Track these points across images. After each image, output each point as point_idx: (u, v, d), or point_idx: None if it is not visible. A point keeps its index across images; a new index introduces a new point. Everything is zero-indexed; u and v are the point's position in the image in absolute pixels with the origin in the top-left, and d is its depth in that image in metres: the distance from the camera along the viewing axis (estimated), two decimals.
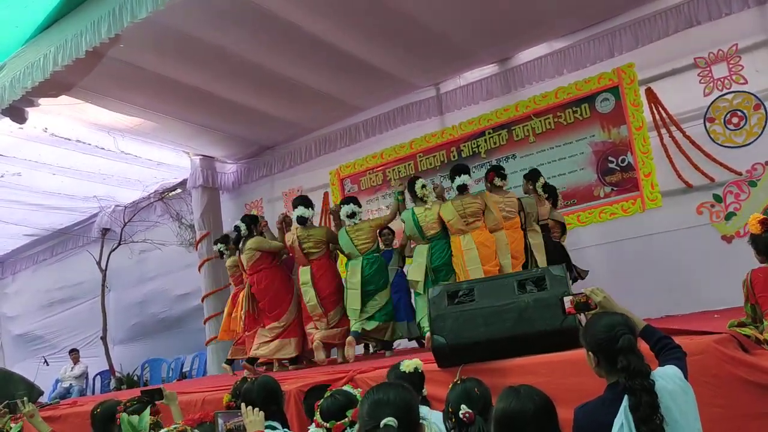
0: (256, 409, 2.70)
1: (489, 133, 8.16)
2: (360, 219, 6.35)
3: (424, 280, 5.74)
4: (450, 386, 2.56)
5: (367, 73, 7.75)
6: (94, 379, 11.26)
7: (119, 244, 11.18)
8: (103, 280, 11.31)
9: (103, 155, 9.15)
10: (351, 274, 6.15)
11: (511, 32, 7.33)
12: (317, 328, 6.26)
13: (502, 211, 5.81)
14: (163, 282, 11.27)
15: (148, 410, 3.53)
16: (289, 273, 6.80)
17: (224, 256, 7.56)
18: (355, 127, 9.20)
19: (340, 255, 6.70)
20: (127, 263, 11.48)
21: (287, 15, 6.33)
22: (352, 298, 6.06)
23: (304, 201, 6.47)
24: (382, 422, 1.77)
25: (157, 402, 3.74)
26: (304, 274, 6.32)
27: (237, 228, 6.88)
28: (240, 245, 6.79)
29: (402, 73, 8.02)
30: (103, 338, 11.08)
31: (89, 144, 8.79)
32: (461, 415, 2.35)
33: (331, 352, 6.49)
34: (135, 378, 10.71)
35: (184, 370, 10.25)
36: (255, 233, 6.74)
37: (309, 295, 6.24)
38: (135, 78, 7.22)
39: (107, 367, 10.99)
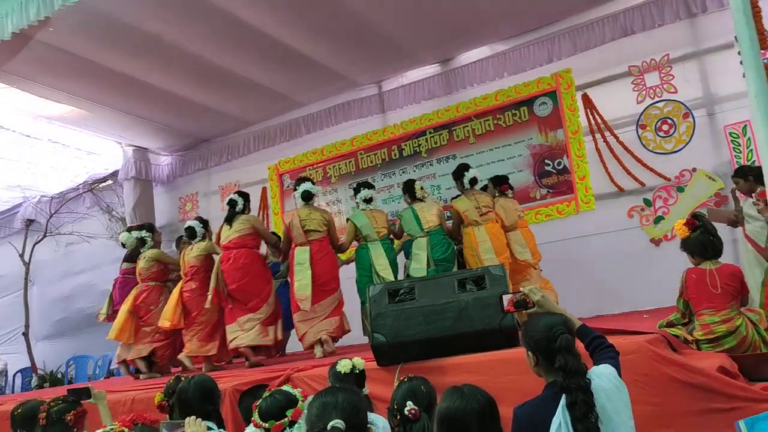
0: (199, 419, 2.62)
1: (430, 133, 8.22)
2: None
3: (427, 270, 5.71)
4: (396, 384, 2.57)
5: (309, 68, 7.67)
6: (14, 377, 10.75)
7: (44, 236, 10.73)
8: (26, 274, 10.83)
9: (28, 143, 8.76)
10: (377, 257, 5.82)
11: (453, 34, 7.39)
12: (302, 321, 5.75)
13: (517, 212, 6.17)
14: (91, 276, 10.86)
15: None
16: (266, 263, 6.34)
17: (144, 246, 6.80)
18: (296, 122, 9.11)
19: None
20: (53, 256, 11.03)
21: (228, 5, 6.20)
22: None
23: (309, 179, 6.20)
24: (329, 424, 1.76)
25: (84, 401, 3.58)
26: (300, 253, 5.76)
27: (233, 202, 6.12)
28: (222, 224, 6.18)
29: (344, 69, 7.98)
30: (25, 334, 10.61)
31: (14, 131, 8.42)
32: (407, 412, 2.37)
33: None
34: (59, 376, 10.31)
35: (112, 368, 9.89)
36: (247, 212, 6.29)
37: (302, 275, 5.66)
38: (65, 64, 6.94)
39: (29, 364, 10.53)
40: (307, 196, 5.96)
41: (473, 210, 5.82)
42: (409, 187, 6.23)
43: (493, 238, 5.74)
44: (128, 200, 9.90)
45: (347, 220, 6.18)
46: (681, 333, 3.55)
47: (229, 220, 6.09)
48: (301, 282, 5.66)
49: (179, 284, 6.39)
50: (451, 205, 6.06)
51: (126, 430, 2.28)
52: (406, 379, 2.64)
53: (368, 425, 1.91)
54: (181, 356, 6.22)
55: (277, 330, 6.00)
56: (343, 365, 3.17)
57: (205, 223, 6.61)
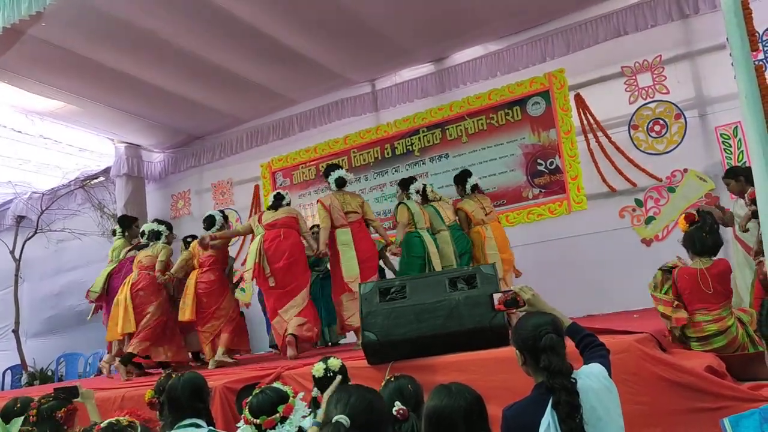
0: None
1: (423, 132, 8.22)
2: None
3: (457, 263, 5.97)
4: (383, 383, 2.56)
5: (302, 66, 7.66)
6: (3, 374, 10.69)
7: (35, 233, 10.66)
8: (17, 270, 10.74)
9: (20, 139, 8.72)
10: (429, 243, 6.01)
11: (447, 33, 7.39)
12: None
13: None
14: (82, 273, 10.76)
15: (20, 420, 3.31)
16: None
17: (159, 239, 6.62)
18: (289, 120, 9.10)
19: None
20: (44, 253, 10.96)
21: (221, 1, 6.17)
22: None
23: (340, 166, 6.28)
24: (334, 418, 1.76)
25: (73, 400, 3.56)
26: (342, 234, 5.78)
27: (281, 196, 6.18)
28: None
29: (338, 67, 7.96)
30: (15, 331, 10.53)
31: (5, 126, 8.36)
32: (395, 412, 2.37)
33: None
34: (49, 373, 10.24)
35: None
36: None
37: (348, 255, 5.71)
38: (57, 59, 6.89)
39: (19, 362, 10.47)
40: (342, 183, 6.03)
41: (479, 210, 6.30)
42: (422, 191, 6.42)
43: (498, 236, 6.25)
44: (120, 197, 9.86)
45: (398, 204, 6.22)
46: (671, 315, 3.56)
47: (275, 208, 6.07)
48: (349, 262, 5.71)
49: (193, 275, 6.23)
50: (459, 207, 6.39)
51: (136, 422, 2.26)
52: (392, 379, 2.63)
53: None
54: (217, 358, 6.02)
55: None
56: (317, 369, 3.14)
57: (225, 217, 6.61)
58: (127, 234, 7.18)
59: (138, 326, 6.11)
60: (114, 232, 7.45)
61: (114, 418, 2.28)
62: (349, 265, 5.69)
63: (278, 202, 6.14)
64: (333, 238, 5.83)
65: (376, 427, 1.88)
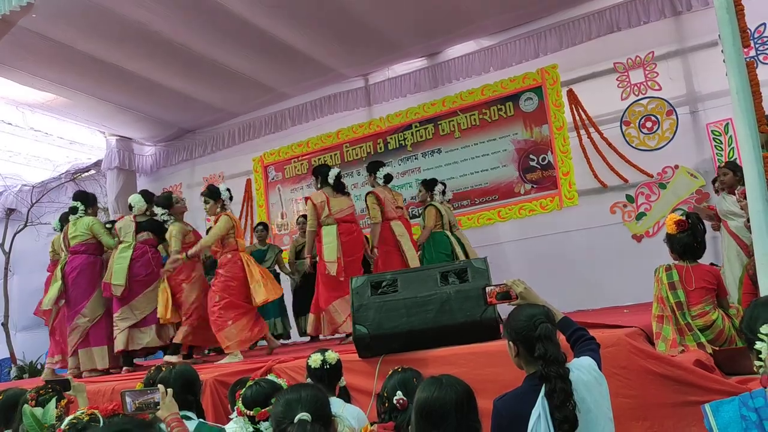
0: (173, 399, 2.61)
1: (416, 127, 8.22)
2: None
3: None
4: (390, 372, 2.62)
5: (295, 60, 7.63)
6: None
7: (25, 226, 10.61)
8: (6, 263, 10.70)
9: (9, 131, 8.66)
10: (456, 244, 6.45)
11: (440, 27, 7.38)
12: None
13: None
14: None
15: (53, 402, 3.31)
16: None
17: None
18: (281, 114, 9.07)
19: None
20: (34, 246, 10.86)
21: None
22: None
23: (383, 163, 6.46)
24: (296, 417, 1.79)
25: (63, 393, 3.55)
26: (398, 226, 5.98)
27: (341, 175, 5.95)
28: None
29: (331, 61, 7.94)
30: (5, 324, 10.50)
31: None
32: (395, 401, 2.42)
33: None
34: (38, 367, 10.19)
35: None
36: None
37: (407, 246, 5.89)
38: (48, 51, 6.83)
39: (8, 355, 10.42)
40: (389, 178, 6.26)
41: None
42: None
43: None
44: (111, 190, 9.81)
45: (428, 206, 6.57)
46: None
47: (341, 191, 5.89)
48: (411, 251, 5.92)
49: (245, 258, 5.69)
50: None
51: (97, 413, 2.25)
52: (399, 369, 2.70)
53: (332, 417, 1.95)
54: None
55: None
56: (313, 359, 3.16)
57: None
58: (90, 211, 6.66)
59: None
60: (75, 210, 6.59)
61: (72, 415, 2.28)
62: (411, 254, 5.88)
63: (342, 185, 5.95)
64: (388, 230, 5.93)
65: (328, 419, 1.94)
